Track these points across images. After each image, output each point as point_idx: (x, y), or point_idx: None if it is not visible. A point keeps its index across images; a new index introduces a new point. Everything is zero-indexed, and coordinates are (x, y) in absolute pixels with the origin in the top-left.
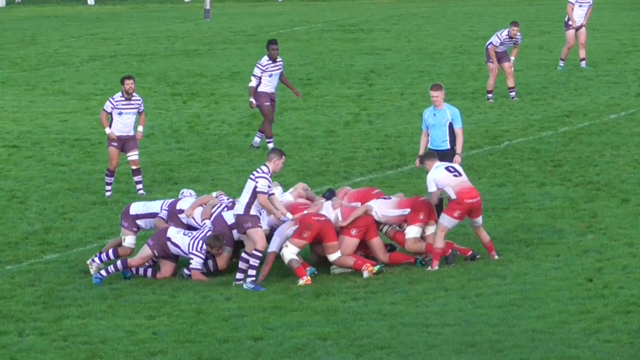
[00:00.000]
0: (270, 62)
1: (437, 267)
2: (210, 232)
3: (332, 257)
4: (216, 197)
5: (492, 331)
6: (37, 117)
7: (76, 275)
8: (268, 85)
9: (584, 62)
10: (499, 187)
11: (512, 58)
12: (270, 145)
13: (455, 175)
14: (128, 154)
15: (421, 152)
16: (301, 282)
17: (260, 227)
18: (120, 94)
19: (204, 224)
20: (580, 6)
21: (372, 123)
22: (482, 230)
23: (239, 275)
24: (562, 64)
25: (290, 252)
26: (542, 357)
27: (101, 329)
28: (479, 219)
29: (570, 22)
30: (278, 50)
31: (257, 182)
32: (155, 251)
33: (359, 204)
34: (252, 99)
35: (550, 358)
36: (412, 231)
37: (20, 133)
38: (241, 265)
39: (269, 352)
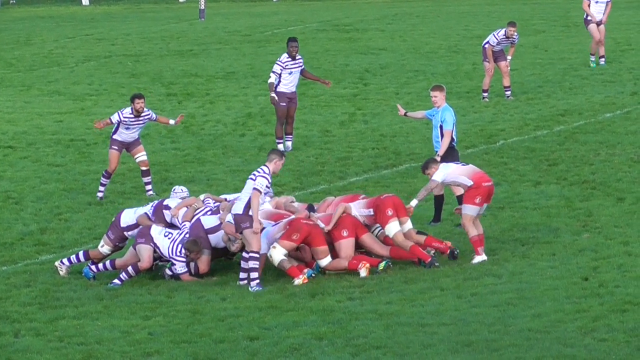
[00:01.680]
0: (290, 59)
1: (483, 255)
2: (187, 235)
3: (323, 262)
4: (203, 200)
5: (488, 330)
6: (32, 118)
7: (72, 276)
8: (287, 84)
9: (603, 59)
10: (494, 186)
11: (509, 57)
12: (280, 147)
13: (463, 165)
14: (136, 156)
15: (410, 114)
16: (297, 281)
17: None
18: (129, 110)
19: (184, 224)
20: (597, 2)
21: (368, 123)
22: (478, 221)
23: (242, 275)
24: (593, 59)
25: (278, 253)
26: (538, 356)
27: (97, 329)
28: (484, 207)
29: (589, 18)
30: (297, 48)
31: (255, 179)
32: (150, 244)
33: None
34: (273, 94)
35: (546, 357)
36: (391, 228)
37: (16, 134)
38: (243, 265)
39: (265, 352)
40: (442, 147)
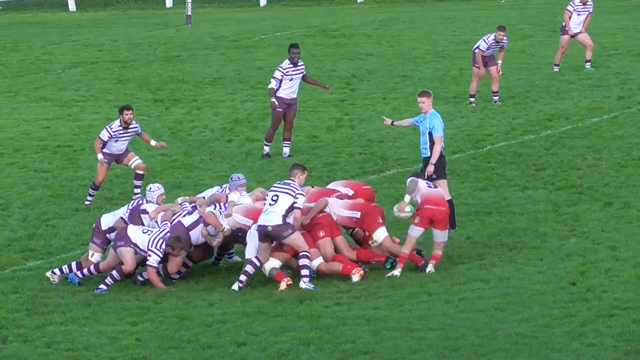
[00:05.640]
0: (291, 65)
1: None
2: (168, 234)
3: (315, 263)
4: (180, 204)
5: (475, 335)
6: (19, 124)
7: (59, 282)
8: (287, 90)
9: (588, 63)
10: (481, 191)
11: (500, 62)
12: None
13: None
14: (130, 162)
15: (397, 122)
16: (282, 284)
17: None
18: (118, 123)
19: (164, 223)
20: (579, 14)
21: (355, 128)
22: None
23: (242, 277)
24: (556, 69)
25: (270, 265)
26: None
27: (84, 335)
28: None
29: (566, 28)
30: (299, 54)
31: (297, 199)
32: (130, 245)
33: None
34: (273, 99)
35: None
36: (380, 234)
37: (2, 140)
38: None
39: (253, 358)
40: (434, 155)
